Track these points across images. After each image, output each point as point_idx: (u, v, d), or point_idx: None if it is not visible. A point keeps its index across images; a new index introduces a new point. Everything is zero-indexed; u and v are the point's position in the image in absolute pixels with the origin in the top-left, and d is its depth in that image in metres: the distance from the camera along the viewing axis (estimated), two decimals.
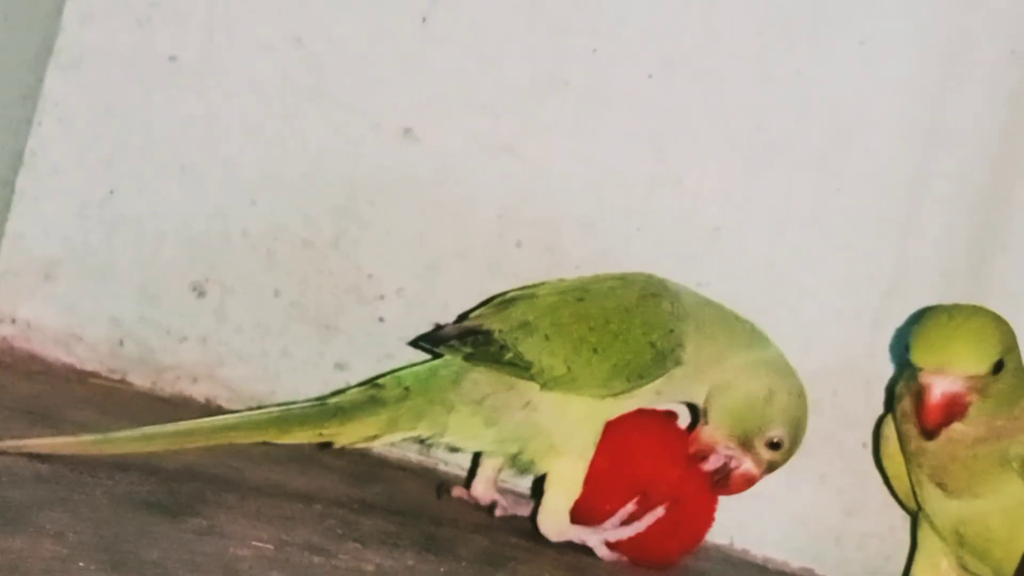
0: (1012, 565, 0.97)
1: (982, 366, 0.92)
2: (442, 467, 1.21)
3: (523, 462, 1.04)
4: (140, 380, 1.22)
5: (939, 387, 0.92)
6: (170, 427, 0.95)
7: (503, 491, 1.12)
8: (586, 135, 1.22)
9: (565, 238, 1.21)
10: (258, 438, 0.98)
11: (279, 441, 0.99)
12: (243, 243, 1.22)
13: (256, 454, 1.05)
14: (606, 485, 1.03)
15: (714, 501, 1.08)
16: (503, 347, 1.01)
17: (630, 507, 1.04)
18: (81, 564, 0.70)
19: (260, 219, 1.22)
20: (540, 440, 1.02)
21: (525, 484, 1.19)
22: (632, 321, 1.02)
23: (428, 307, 1.20)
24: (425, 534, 0.96)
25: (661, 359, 1.02)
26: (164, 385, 1.22)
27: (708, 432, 1.05)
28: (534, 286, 1.09)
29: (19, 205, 1.23)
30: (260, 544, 0.82)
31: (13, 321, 1.23)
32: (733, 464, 1.05)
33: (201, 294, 1.23)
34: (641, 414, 1.06)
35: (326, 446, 1.02)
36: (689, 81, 1.21)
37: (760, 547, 1.21)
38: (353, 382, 1.18)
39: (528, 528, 1.06)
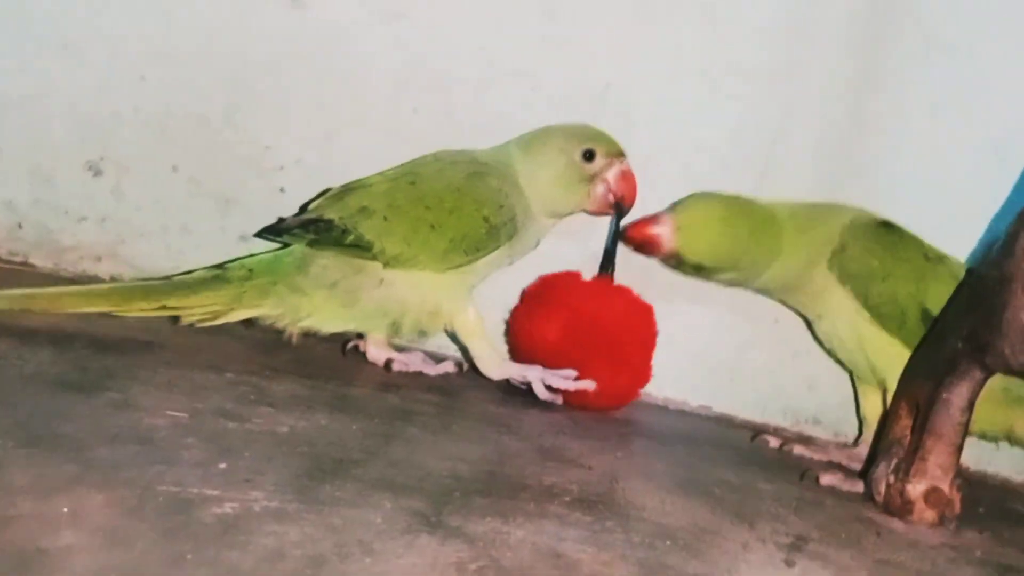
0: (875, 360, 1.12)
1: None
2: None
3: (408, 330, 1.10)
4: (42, 262, 1.23)
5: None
6: (14, 291, 0.98)
7: (408, 351, 1.17)
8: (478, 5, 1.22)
9: (460, 102, 1.23)
10: (102, 307, 1.01)
11: (122, 312, 1.02)
12: (135, 120, 1.22)
13: (166, 329, 1.07)
14: (567, 354, 1.11)
15: (649, 359, 1.16)
16: (344, 231, 1.05)
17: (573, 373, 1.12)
18: None
19: (151, 96, 1.21)
20: (413, 310, 1.08)
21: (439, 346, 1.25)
22: (463, 199, 1.07)
23: (327, 175, 1.21)
24: (336, 395, 1.00)
25: (495, 233, 1.08)
26: (67, 265, 1.23)
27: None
28: (366, 178, 1.12)
29: None
30: (174, 413, 0.85)
31: None
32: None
33: (97, 173, 1.22)
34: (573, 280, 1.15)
35: (175, 320, 1.06)
36: None
37: (658, 391, 1.27)
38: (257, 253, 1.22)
39: (438, 385, 1.11)
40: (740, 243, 1.10)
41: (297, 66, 1.22)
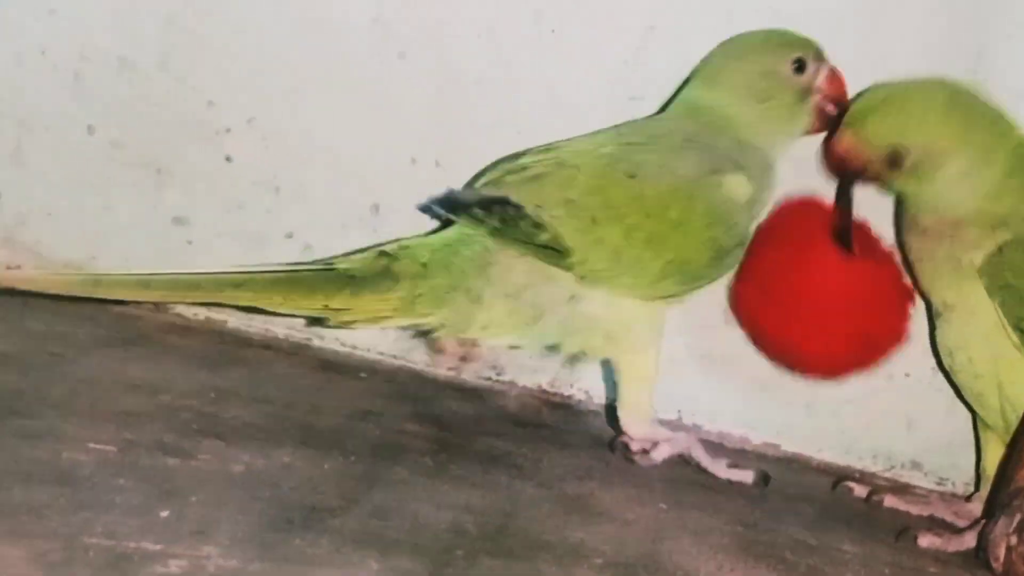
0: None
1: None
2: (316, 343, 1.29)
3: (570, 352, 1.13)
4: None
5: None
6: (166, 276, 1.03)
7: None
8: None
9: (457, 48, 1.25)
10: (252, 300, 1.04)
11: (277, 308, 1.05)
12: (42, 65, 1.25)
13: (80, 337, 1.11)
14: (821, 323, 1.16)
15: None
16: (537, 225, 1.05)
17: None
18: None
19: (62, 34, 1.24)
20: (592, 333, 1.10)
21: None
22: (693, 209, 1.07)
23: (288, 140, 1.25)
24: (302, 425, 1.04)
25: (719, 260, 1.10)
26: None
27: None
28: (553, 147, 1.12)
29: None
30: (100, 446, 0.88)
31: None
32: None
33: None
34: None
35: (317, 322, 1.08)
36: None
37: (714, 420, 1.31)
38: (196, 238, 1.26)
39: (429, 412, 1.15)
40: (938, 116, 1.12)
41: (251, 1, 1.24)
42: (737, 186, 1.10)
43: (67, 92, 1.25)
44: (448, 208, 1.07)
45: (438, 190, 1.22)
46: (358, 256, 1.08)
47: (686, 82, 1.20)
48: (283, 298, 1.05)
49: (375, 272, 1.07)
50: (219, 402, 1.04)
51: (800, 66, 1.15)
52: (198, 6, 1.24)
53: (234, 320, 1.28)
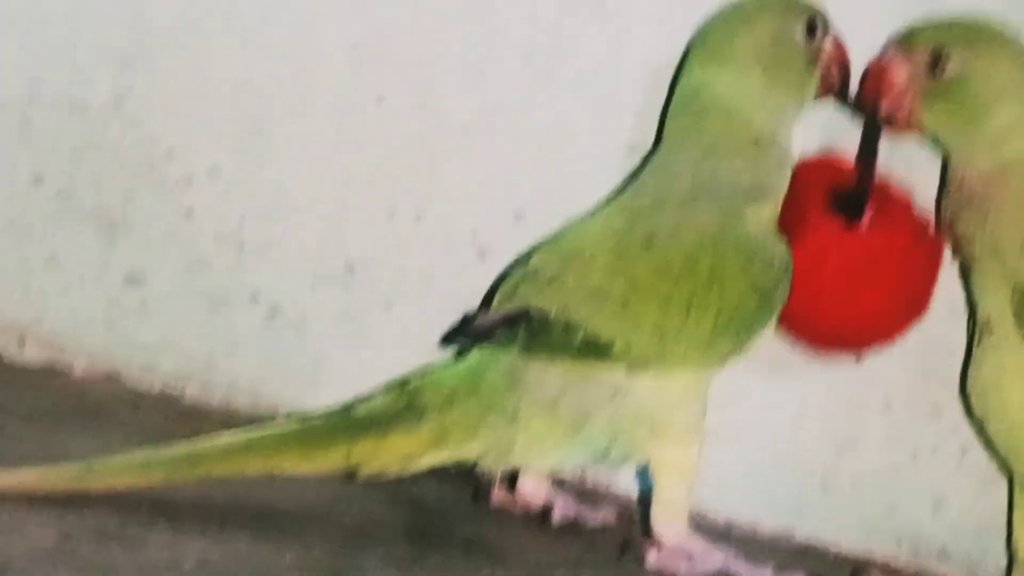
0: None
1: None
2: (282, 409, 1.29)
3: (613, 456, 1.12)
4: None
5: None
6: (165, 455, 1.03)
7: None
8: None
9: (440, 92, 1.26)
10: (265, 466, 1.05)
11: (297, 470, 1.05)
12: None
13: (20, 407, 1.13)
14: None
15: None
16: (568, 328, 1.05)
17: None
18: None
19: (8, 74, 1.26)
20: (636, 429, 1.10)
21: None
22: (724, 259, 1.08)
23: (255, 193, 1.26)
24: (260, 508, 1.04)
25: (767, 301, 1.10)
26: None
27: None
28: (558, 239, 1.13)
29: None
30: (36, 532, 0.89)
31: None
32: None
33: None
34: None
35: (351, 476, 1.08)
36: None
37: (720, 504, 1.30)
38: (151, 298, 1.27)
39: (402, 493, 1.15)
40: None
41: (216, 35, 1.26)
42: (760, 212, 1.12)
43: (13, 138, 1.27)
44: (471, 339, 1.09)
45: (418, 246, 1.25)
46: (378, 397, 1.09)
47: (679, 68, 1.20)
48: (300, 457, 1.05)
49: (398, 409, 1.07)
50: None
51: (811, 28, 1.16)
52: (157, 43, 1.26)
53: (192, 391, 1.28)
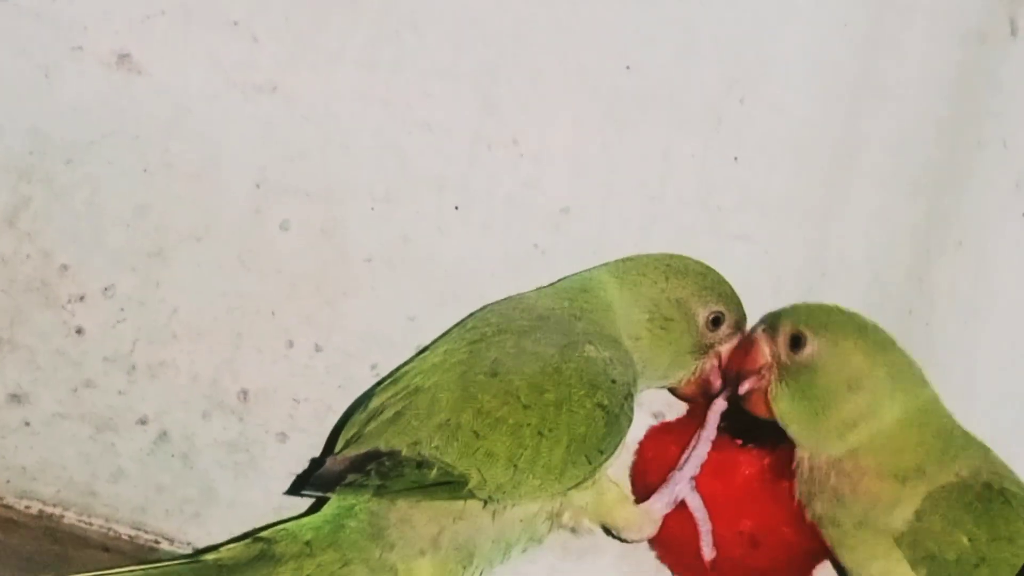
0: None
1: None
2: (165, 546, 1.25)
3: (524, 550, 1.11)
4: None
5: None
6: None
7: None
8: (382, 71, 1.25)
9: (350, 217, 1.25)
10: None
11: None
12: None
13: None
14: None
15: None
16: (422, 464, 1.03)
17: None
18: None
19: None
20: (531, 529, 1.09)
21: None
22: (569, 381, 1.07)
23: (149, 314, 1.23)
24: None
25: (615, 422, 1.09)
26: None
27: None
28: (398, 376, 1.12)
29: None
30: None
31: None
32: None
33: None
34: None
35: None
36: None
37: None
38: (35, 419, 1.23)
39: None
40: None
41: (118, 150, 1.24)
42: (601, 352, 1.10)
43: None
44: (321, 487, 1.05)
45: (316, 378, 1.22)
46: (228, 546, 1.05)
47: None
48: None
49: (250, 558, 1.03)
50: None
51: (717, 321, 1.16)
52: (57, 155, 1.24)
53: (71, 515, 1.24)
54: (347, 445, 1.08)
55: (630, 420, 1.11)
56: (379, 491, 1.03)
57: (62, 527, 1.23)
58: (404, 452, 1.03)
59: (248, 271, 1.24)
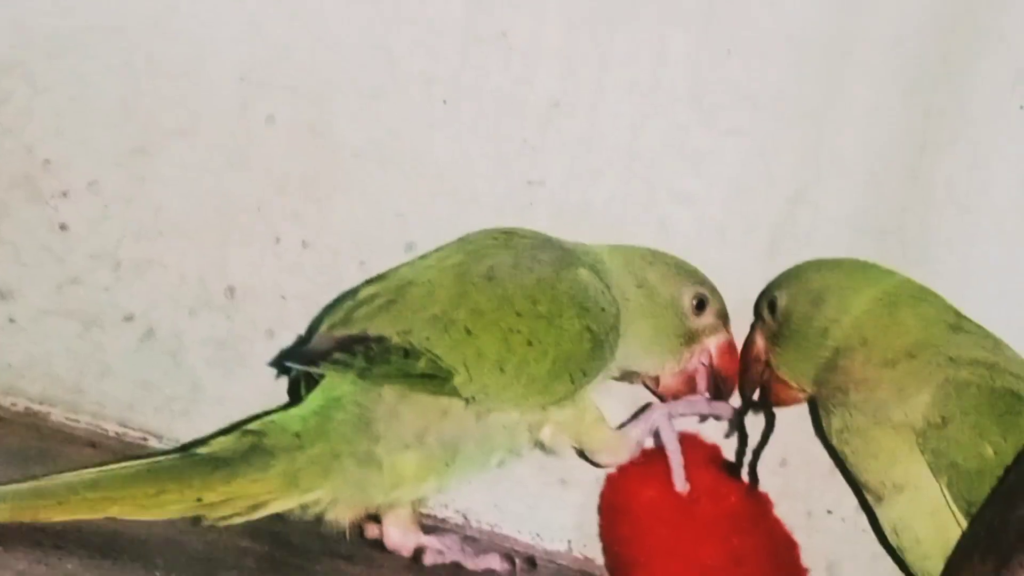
0: None
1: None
2: (153, 443, 1.25)
3: (503, 463, 1.11)
4: None
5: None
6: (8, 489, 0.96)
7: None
8: None
9: (337, 113, 1.24)
10: (122, 507, 0.98)
11: (152, 513, 0.99)
12: None
13: None
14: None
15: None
16: (409, 353, 1.03)
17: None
18: None
19: None
20: (513, 436, 1.10)
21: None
22: (560, 300, 1.09)
23: (134, 210, 1.22)
24: (108, 534, 0.99)
25: (600, 348, 1.10)
26: None
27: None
28: (388, 275, 1.12)
29: None
30: None
31: None
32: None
33: None
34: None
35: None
36: None
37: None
38: (20, 316, 1.24)
39: (266, 527, 1.09)
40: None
41: (98, 45, 1.23)
42: (593, 278, 1.12)
43: None
44: (304, 361, 1.05)
45: (304, 274, 1.22)
46: (218, 439, 1.04)
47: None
48: (154, 496, 0.99)
49: (244, 450, 1.02)
50: None
51: (701, 305, 1.17)
52: (40, 50, 1.22)
53: (58, 413, 1.24)
54: (332, 328, 1.08)
55: (613, 353, 1.12)
56: (363, 373, 1.03)
57: (49, 424, 1.23)
58: (394, 339, 1.04)
59: (234, 167, 1.23)
